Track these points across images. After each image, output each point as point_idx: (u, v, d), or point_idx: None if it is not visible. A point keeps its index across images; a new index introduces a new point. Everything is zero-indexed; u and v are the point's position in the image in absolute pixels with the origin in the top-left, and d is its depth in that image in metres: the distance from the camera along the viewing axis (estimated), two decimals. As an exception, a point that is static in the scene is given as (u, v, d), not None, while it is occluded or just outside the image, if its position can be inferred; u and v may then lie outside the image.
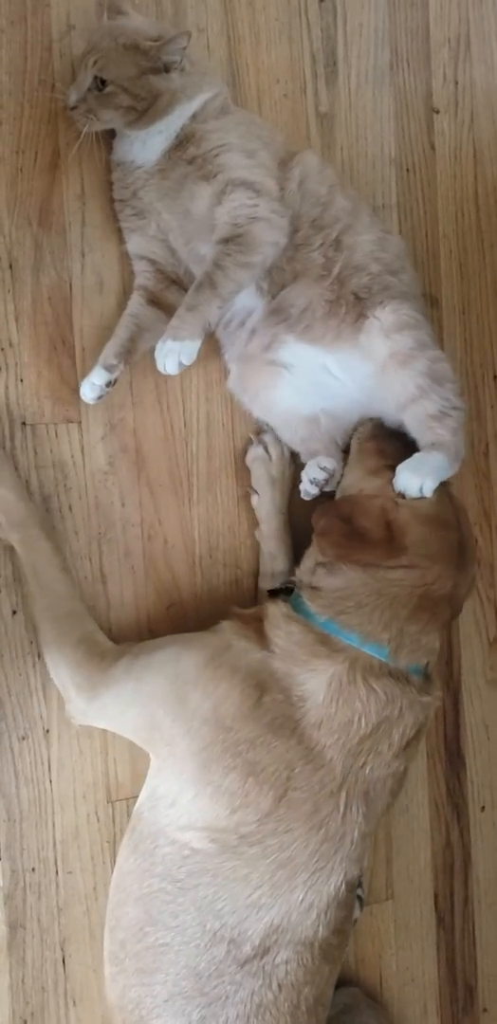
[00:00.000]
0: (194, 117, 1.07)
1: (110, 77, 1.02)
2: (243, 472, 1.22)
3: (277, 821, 0.99)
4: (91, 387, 1.08)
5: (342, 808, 1.00)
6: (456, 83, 1.34)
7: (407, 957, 1.35)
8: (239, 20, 1.19)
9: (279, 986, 1.01)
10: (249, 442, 1.22)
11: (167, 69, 1.04)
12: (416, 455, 1.07)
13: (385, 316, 1.08)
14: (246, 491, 1.21)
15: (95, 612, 1.13)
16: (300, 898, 1.00)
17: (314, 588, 1.06)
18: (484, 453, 1.39)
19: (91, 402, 1.09)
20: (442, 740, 1.36)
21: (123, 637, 1.14)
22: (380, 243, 1.13)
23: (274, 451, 1.21)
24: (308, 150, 1.18)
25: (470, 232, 1.37)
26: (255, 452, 1.21)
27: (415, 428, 1.08)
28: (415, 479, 1.03)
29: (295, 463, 1.22)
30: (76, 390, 1.11)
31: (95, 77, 1.01)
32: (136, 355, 1.11)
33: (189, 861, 1.00)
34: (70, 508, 1.12)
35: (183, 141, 1.07)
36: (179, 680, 1.03)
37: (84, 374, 1.11)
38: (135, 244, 1.13)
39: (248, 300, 1.12)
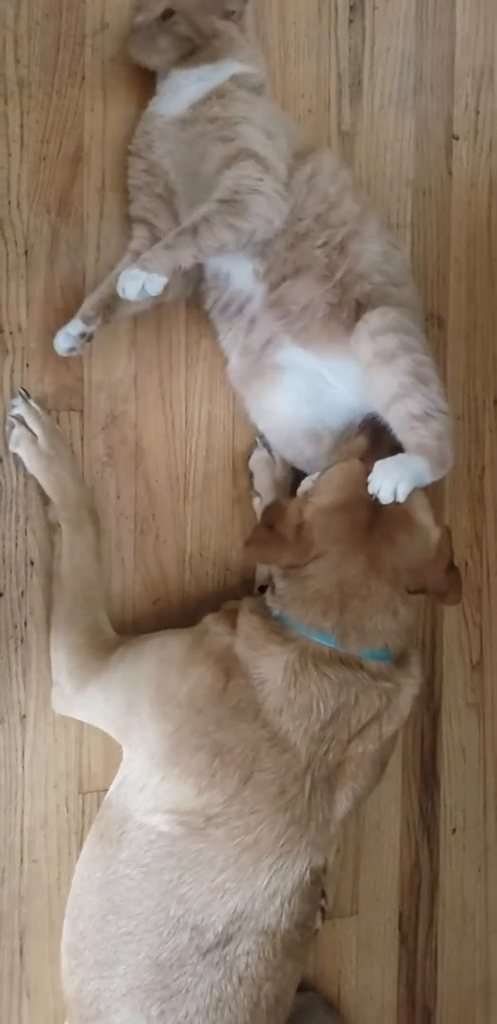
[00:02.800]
0: (233, 78, 1.13)
1: (180, 7, 1.10)
2: (239, 474, 1.27)
3: (243, 802, 1.03)
4: (65, 336, 1.11)
5: (307, 792, 1.04)
6: (477, 112, 1.40)
7: (367, 974, 1.41)
8: (269, 33, 1.26)
9: (239, 979, 1.04)
10: (253, 445, 1.28)
11: (229, 15, 1.13)
12: (395, 456, 1.09)
13: (373, 319, 1.12)
14: (241, 493, 1.27)
15: None
16: (265, 883, 1.04)
17: (274, 585, 1.14)
18: (480, 476, 1.45)
19: (63, 353, 1.12)
20: (418, 760, 1.42)
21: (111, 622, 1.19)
22: (386, 255, 1.19)
23: (277, 455, 1.27)
24: (327, 150, 1.25)
25: (481, 258, 1.43)
26: (259, 455, 1.27)
27: (399, 428, 1.11)
28: (389, 482, 1.05)
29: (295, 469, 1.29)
30: (81, 379, 1.17)
31: (166, 8, 1.08)
32: (114, 315, 1.13)
33: (155, 845, 1.04)
34: None
35: (211, 97, 1.12)
36: (162, 664, 1.10)
37: (90, 365, 1.17)
38: (139, 205, 1.17)
39: (245, 282, 1.16)
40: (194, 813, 1.03)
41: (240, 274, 1.16)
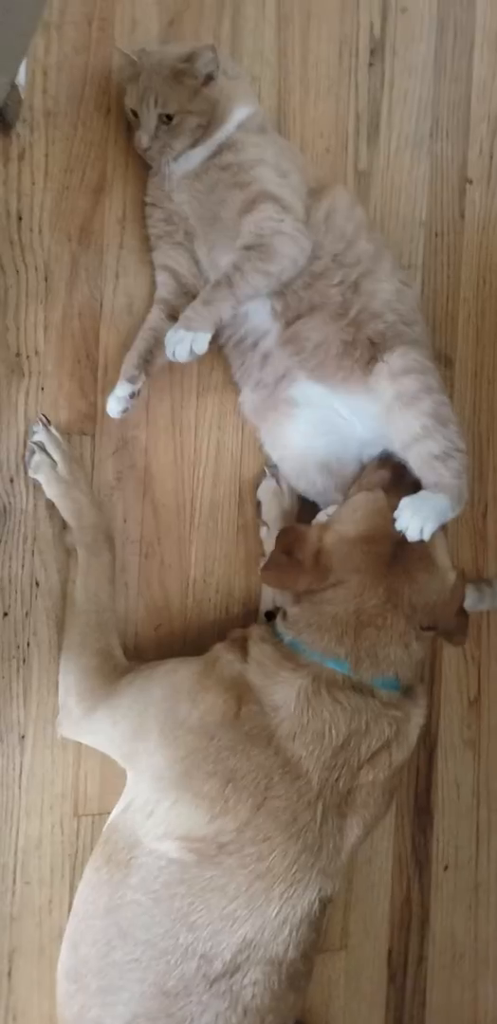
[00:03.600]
0: (239, 126, 1.18)
1: (174, 109, 1.13)
2: (246, 503, 1.31)
3: (256, 829, 1.05)
4: (117, 400, 1.17)
5: (319, 819, 1.07)
6: (491, 157, 1.45)
7: (355, 1010, 1.43)
8: (291, 73, 1.30)
9: (244, 1011, 1.05)
10: (261, 474, 1.31)
11: (211, 78, 1.15)
12: (420, 493, 1.14)
13: (393, 360, 1.17)
14: (246, 521, 1.30)
15: None
16: (275, 911, 1.06)
17: (285, 612, 1.17)
18: (483, 514, 1.49)
19: (117, 416, 1.17)
20: (413, 795, 1.44)
21: None
22: (398, 294, 1.23)
23: (286, 484, 1.30)
24: (340, 186, 1.28)
25: (490, 300, 1.48)
26: (267, 484, 1.31)
27: (419, 467, 1.16)
28: (416, 521, 1.10)
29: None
30: (94, 404, 1.21)
31: (160, 115, 1.12)
32: (153, 368, 1.19)
33: (165, 871, 1.05)
34: None
35: (222, 148, 1.17)
36: (173, 690, 1.12)
37: (104, 390, 1.20)
38: (161, 253, 1.22)
39: (262, 320, 1.21)
40: (206, 840, 1.05)
41: (257, 312, 1.20)
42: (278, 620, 1.17)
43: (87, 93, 1.18)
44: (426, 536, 1.10)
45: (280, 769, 1.07)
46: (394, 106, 1.37)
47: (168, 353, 1.11)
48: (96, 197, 1.19)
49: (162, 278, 1.22)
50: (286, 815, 1.06)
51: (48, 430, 1.17)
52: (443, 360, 1.44)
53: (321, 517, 1.21)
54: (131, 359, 1.18)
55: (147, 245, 1.22)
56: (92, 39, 1.18)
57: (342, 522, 1.16)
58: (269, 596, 1.30)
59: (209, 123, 1.16)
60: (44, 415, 1.18)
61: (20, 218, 1.16)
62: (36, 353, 1.18)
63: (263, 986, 1.07)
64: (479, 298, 1.47)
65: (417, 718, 1.17)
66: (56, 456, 1.17)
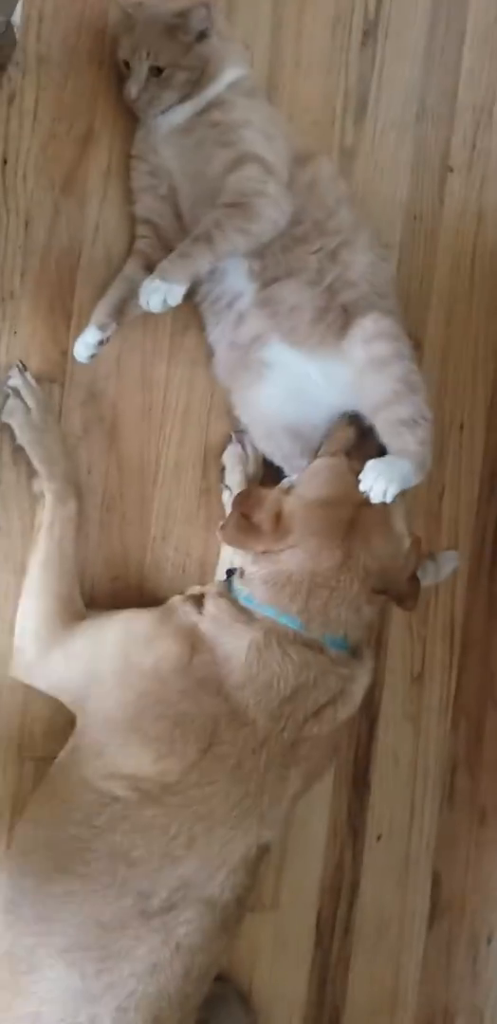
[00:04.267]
0: (229, 86, 1.27)
1: (164, 62, 1.21)
2: (210, 466, 1.41)
3: (200, 772, 1.17)
4: (85, 346, 1.25)
5: (263, 767, 1.19)
6: (474, 147, 1.58)
7: (280, 971, 1.54)
8: (285, 45, 1.40)
9: (177, 946, 1.16)
10: (228, 439, 1.41)
11: (204, 36, 1.24)
12: (385, 457, 1.26)
13: (367, 324, 1.28)
14: (209, 484, 1.40)
15: None
16: (214, 853, 1.17)
17: (243, 571, 1.28)
18: (439, 495, 1.61)
19: (84, 361, 1.26)
20: (352, 763, 1.57)
21: None
22: (373, 267, 1.34)
23: (251, 451, 1.41)
24: (325, 156, 1.38)
25: (462, 287, 1.60)
26: (233, 449, 1.41)
27: (386, 432, 1.28)
28: (381, 482, 1.22)
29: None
30: (65, 352, 1.29)
31: (150, 67, 1.21)
32: (126, 317, 1.28)
33: (109, 809, 1.16)
34: None
35: (211, 106, 1.26)
36: (129, 636, 1.24)
37: (76, 339, 1.27)
38: (143, 205, 1.30)
39: (239, 280, 1.30)
40: (151, 780, 1.16)
41: (234, 272, 1.29)
42: (235, 577, 1.28)
43: (81, 43, 1.27)
44: (389, 498, 1.22)
45: (227, 716, 1.18)
46: (383, 88, 1.48)
47: (142, 301, 1.19)
48: (83, 148, 1.28)
49: (142, 230, 1.30)
50: (231, 760, 1.17)
51: (24, 376, 1.26)
52: (413, 341, 1.54)
53: (285, 484, 1.32)
54: (103, 306, 1.27)
55: (130, 200, 1.31)
56: (89, -10, 1.27)
57: (303, 485, 1.28)
58: (228, 556, 1.41)
59: (199, 80, 1.24)
60: (21, 361, 1.26)
61: (5, 161, 1.24)
62: (11, 296, 1.26)
63: (197, 925, 1.17)
64: (451, 284, 1.59)
65: (363, 678, 1.28)
66: (31, 403, 1.25)
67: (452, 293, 1.59)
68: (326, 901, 1.58)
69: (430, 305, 1.58)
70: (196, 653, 1.20)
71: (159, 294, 1.18)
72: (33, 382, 1.27)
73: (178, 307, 1.29)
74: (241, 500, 1.27)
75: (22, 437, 1.26)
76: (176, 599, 1.29)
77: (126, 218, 1.31)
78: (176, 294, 1.18)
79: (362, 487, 1.22)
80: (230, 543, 1.29)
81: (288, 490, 1.28)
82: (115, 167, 1.30)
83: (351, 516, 1.24)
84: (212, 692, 1.19)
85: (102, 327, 1.25)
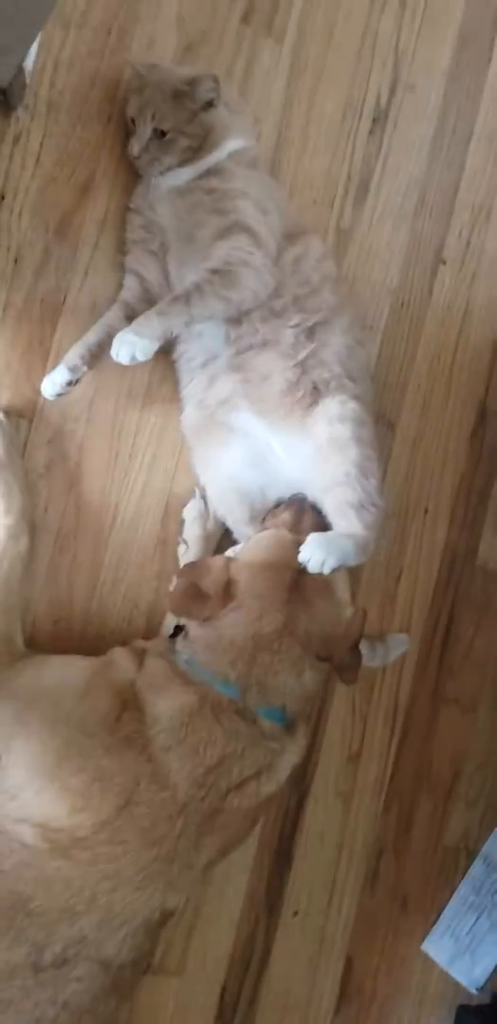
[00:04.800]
0: (230, 156, 1.37)
1: (168, 126, 1.31)
2: (170, 518, 1.49)
3: (113, 831, 1.20)
4: (52, 384, 1.33)
5: (177, 833, 1.24)
6: (468, 243, 1.70)
7: None
8: (294, 123, 1.51)
9: (64, 1004, 1.19)
10: (191, 494, 1.50)
11: (210, 105, 1.34)
12: (328, 533, 1.35)
13: (332, 406, 1.37)
14: (166, 536, 1.48)
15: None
16: (116, 912, 1.21)
17: (187, 632, 1.35)
18: (396, 578, 1.71)
19: (50, 398, 1.34)
20: (277, 835, 1.64)
21: None
22: (349, 351, 1.43)
23: (213, 509, 1.49)
24: (316, 236, 1.47)
25: (441, 377, 1.73)
26: (194, 505, 1.49)
27: (334, 511, 1.37)
28: (320, 553, 1.30)
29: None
30: (38, 391, 1.36)
31: (154, 129, 1.30)
32: (100, 362, 1.35)
33: (16, 854, 1.19)
34: None
35: (210, 173, 1.35)
36: (63, 683, 1.30)
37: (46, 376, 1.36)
38: (133, 257, 1.39)
39: (215, 343, 1.39)
40: (62, 832, 1.20)
41: (212, 334, 1.38)
42: (179, 638, 1.35)
43: (92, 96, 1.36)
44: (326, 570, 1.31)
45: (148, 777, 1.23)
46: (385, 176, 1.60)
47: (112, 351, 1.27)
48: (81, 195, 1.37)
49: (129, 281, 1.39)
50: (146, 822, 1.22)
51: None
52: (386, 424, 1.67)
53: (230, 553, 1.41)
54: (78, 348, 1.35)
55: (121, 251, 1.40)
56: (107, 47, 1.36)
57: (247, 552, 1.37)
58: (172, 617, 1.49)
59: (200, 147, 1.34)
60: None
61: (2, 198, 1.32)
62: None
63: (87, 984, 1.21)
64: (431, 373, 1.71)
65: (292, 756, 1.35)
66: None
67: (430, 382, 1.71)
68: (233, 972, 1.63)
69: (407, 391, 1.70)
70: (126, 710, 1.26)
71: (129, 347, 1.25)
72: (2, 417, 1.34)
73: (156, 360, 1.39)
74: (189, 570, 1.35)
75: None
76: (117, 651, 1.36)
77: (115, 269, 1.40)
78: (146, 350, 1.26)
79: (300, 557, 1.30)
80: (176, 610, 1.36)
81: (232, 558, 1.36)
82: (111, 218, 1.39)
83: (293, 580, 1.32)
84: (136, 751, 1.24)
85: (72, 369, 1.33)
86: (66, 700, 1.27)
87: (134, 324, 1.27)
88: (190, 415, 1.44)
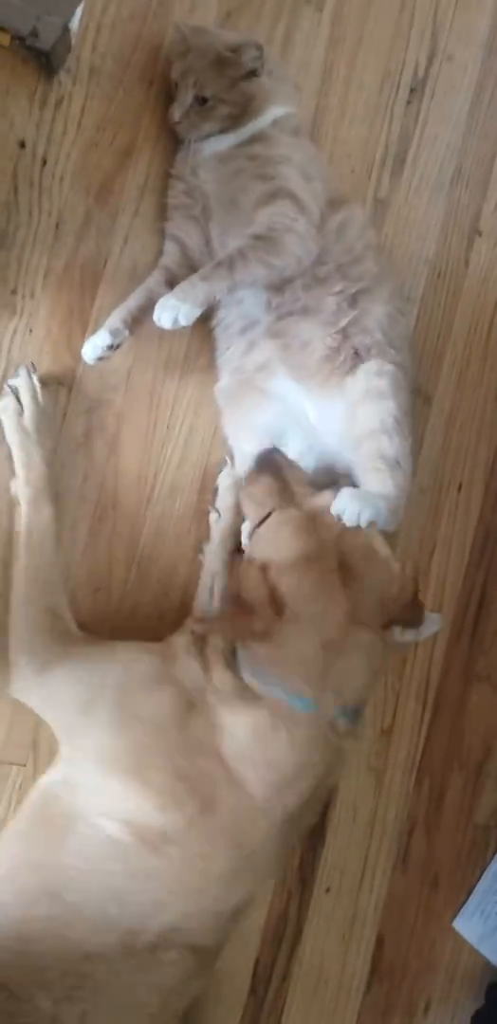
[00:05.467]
0: (274, 122, 1.37)
1: (209, 93, 1.31)
2: (207, 491, 1.49)
3: (201, 831, 1.22)
4: (93, 347, 1.33)
5: (262, 835, 1.25)
6: (505, 216, 1.72)
7: (212, 1012, 1.57)
8: (332, 92, 1.52)
9: (154, 986, 1.22)
10: (223, 462, 1.50)
11: (253, 73, 1.34)
12: (359, 489, 1.33)
13: (372, 364, 1.38)
14: (204, 509, 1.48)
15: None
16: (206, 905, 1.25)
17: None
18: (430, 553, 1.71)
19: (91, 362, 1.33)
20: None
21: None
22: (391, 319, 1.43)
23: (241, 475, 1.47)
24: (358, 205, 1.48)
25: (477, 349, 1.72)
26: (228, 473, 1.48)
27: (366, 466, 1.36)
28: (354, 505, 1.27)
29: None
30: (78, 358, 1.36)
31: (195, 95, 1.31)
32: (140, 327, 1.35)
33: (104, 846, 1.21)
34: None
35: (253, 139, 1.36)
36: (129, 678, 1.27)
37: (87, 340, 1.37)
38: (174, 223, 1.39)
39: (255, 310, 1.39)
40: (150, 829, 1.21)
41: (253, 301, 1.38)
42: (240, 654, 1.29)
43: (134, 60, 1.36)
44: (363, 522, 1.27)
45: (226, 782, 1.23)
46: (423, 146, 1.60)
47: (155, 316, 1.27)
48: (122, 160, 1.37)
49: (170, 247, 1.40)
50: (229, 824, 1.23)
51: (30, 378, 1.32)
52: (422, 396, 1.66)
53: (251, 561, 1.35)
54: (119, 312, 1.35)
55: (161, 216, 1.40)
56: (150, 10, 1.37)
57: (272, 551, 1.31)
58: (207, 588, 1.48)
59: (241, 115, 1.34)
60: (32, 363, 1.34)
61: (44, 162, 1.32)
62: (32, 296, 1.34)
63: (177, 967, 1.23)
64: (467, 344, 1.71)
65: (356, 742, 1.33)
66: (27, 405, 1.32)
67: (466, 354, 1.71)
68: (266, 947, 1.64)
69: (443, 362, 1.69)
70: (193, 713, 1.25)
71: (172, 312, 1.26)
72: (37, 386, 1.33)
73: (194, 330, 1.40)
74: (230, 584, 1.35)
75: (8, 435, 1.33)
76: (179, 644, 1.33)
77: (155, 234, 1.40)
78: (189, 315, 1.27)
79: (334, 509, 1.27)
80: (232, 636, 1.31)
81: (263, 564, 1.30)
82: (152, 183, 1.39)
83: (337, 562, 1.27)
84: (210, 756, 1.23)
85: (114, 333, 1.33)
86: (135, 693, 1.27)
87: (177, 289, 1.27)
88: (225, 383, 1.44)
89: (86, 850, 1.22)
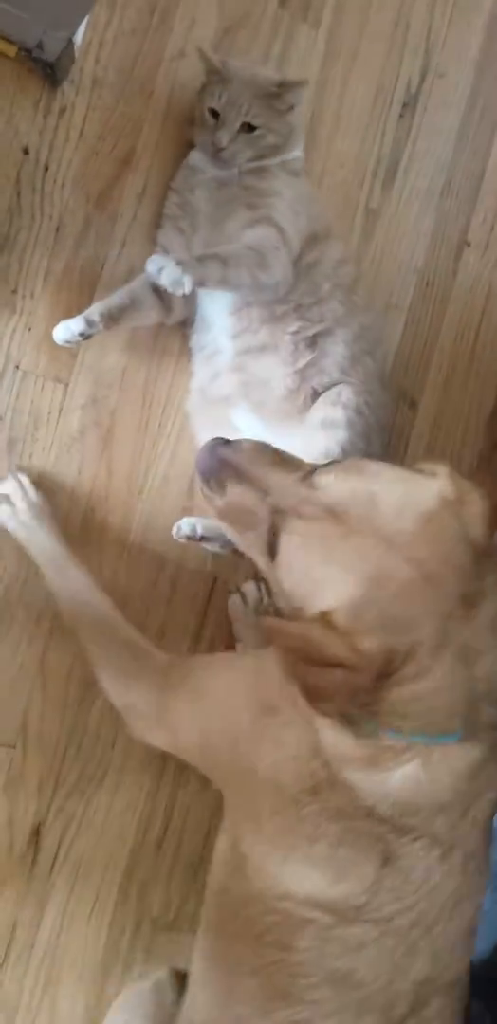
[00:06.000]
0: (280, 163, 1.42)
1: (260, 123, 1.37)
2: (194, 488, 1.53)
3: (390, 889, 1.07)
4: (66, 330, 1.36)
5: (460, 864, 1.10)
6: (492, 228, 1.75)
7: None
8: (327, 105, 1.57)
9: None
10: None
11: (292, 108, 1.41)
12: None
13: (331, 393, 1.41)
14: (193, 504, 1.53)
15: (19, 559, 1.43)
16: (440, 945, 1.11)
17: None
18: None
19: (59, 342, 1.37)
20: None
21: (34, 593, 1.44)
22: (354, 360, 1.45)
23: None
24: (336, 241, 1.49)
25: (463, 357, 1.77)
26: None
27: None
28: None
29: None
30: (74, 356, 1.43)
31: (244, 122, 1.36)
32: (118, 325, 1.39)
33: (305, 931, 1.09)
34: (30, 456, 1.43)
35: (251, 171, 1.40)
36: (235, 728, 1.17)
37: (86, 346, 1.43)
38: (165, 232, 1.44)
39: (221, 337, 1.43)
40: (337, 903, 1.09)
41: (220, 326, 1.42)
42: (358, 719, 1.05)
43: (135, 73, 1.42)
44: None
45: (396, 833, 1.07)
46: (413, 159, 1.66)
47: (148, 267, 1.26)
48: (121, 168, 1.43)
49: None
50: (419, 872, 1.08)
51: (16, 479, 1.41)
52: (408, 401, 1.72)
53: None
54: (99, 307, 1.39)
55: (157, 224, 1.45)
56: (150, 26, 1.42)
57: (316, 589, 1.00)
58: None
59: (281, 146, 1.41)
60: (17, 465, 1.43)
61: (47, 168, 1.38)
62: (32, 296, 1.40)
63: (448, 1009, 1.14)
64: (454, 352, 1.76)
65: None
66: (19, 505, 1.40)
67: (452, 361, 1.76)
68: None
69: (430, 368, 1.74)
70: (324, 788, 1.10)
71: (169, 273, 1.25)
72: (26, 482, 1.42)
73: (183, 337, 1.48)
74: (293, 658, 1.01)
75: (17, 534, 1.41)
76: (272, 672, 1.14)
77: (151, 241, 1.45)
78: (185, 285, 1.26)
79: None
80: (334, 713, 1.05)
81: (321, 614, 0.99)
82: (149, 192, 1.45)
83: (418, 572, 0.98)
84: (361, 817, 1.08)
85: (90, 324, 1.37)
86: (244, 749, 1.16)
87: (177, 260, 1.26)
88: (195, 401, 1.49)
89: (285, 939, 1.10)
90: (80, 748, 1.51)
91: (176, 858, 1.59)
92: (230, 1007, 1.15)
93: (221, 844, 1.21)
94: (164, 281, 1.26)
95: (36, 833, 1.49)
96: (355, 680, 0.97)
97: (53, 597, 1.39)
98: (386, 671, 0.97)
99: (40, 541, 1.40)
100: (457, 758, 1.06)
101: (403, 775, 1.05)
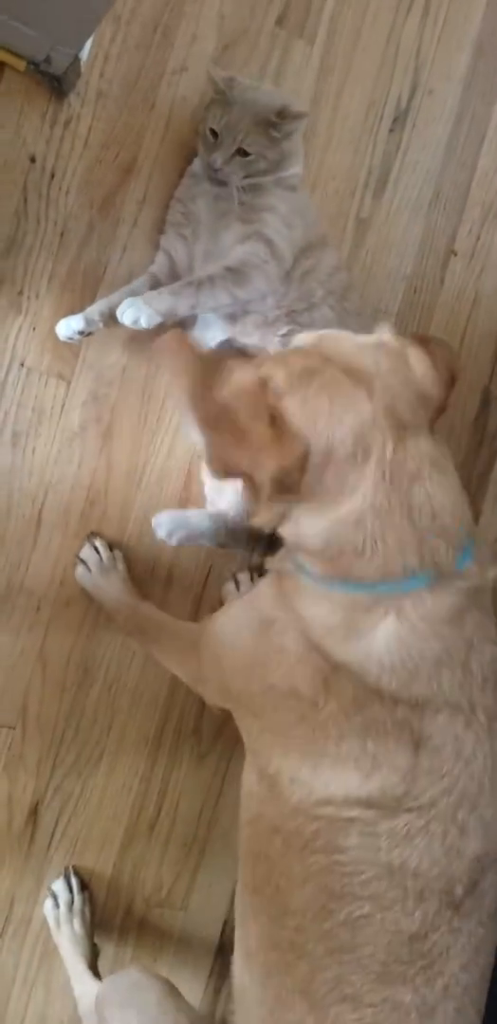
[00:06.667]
0: (277, 180, 1.48)
1: (254, 150, 1.42)
2: (193, 480, 1.61)
3: (427, 771, 1.08)
4: (67, 327, 1.46)
5: (486, 726, 1.09)
6: (478, 238, 1.83)
7: (179, 970, 1.68)
8: (321, 118, 1.65)
9: (489, 917, 1.12)
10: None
11: (289, 136, 1.46)
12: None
13: None
14: (189, 496, 1.60)
15: (21, 549, 1.51)
16: (490, 816, 1.10)
17: (306, 554, 1.11)
18: None
19: (61, 338, 1.46)
20: None
21: (35, 581, 1.53)
22: None
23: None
24: (332, 248, 1.56)
25: None
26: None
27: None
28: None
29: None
30: (77, 354, 1.51)
31: (239, 148, 1.41)
32: (116, 324, 1.44)
33: (351, 829, 1.09)
34: (33, 451, 1.51)
35: (248, 187, 1.46)
36: (249, 655, 1.22)
37: (89, 344, 1.51)
38: (168, 238, 1.51)
39: (219, 338, 1.47)
40: (376, 798, 1.08)
41: (216, 328, 1.48)
42: (301, 561, 1.13)
43: (138, 86, 1.50)
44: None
45: (413, 711, 1.07)
46: (403, 171, 1.73)
47: (118, 311, 1.39)
48: (124, 176, 1.51)
49: (161, 258, 1.51)
50: (450, 745, 1.08)
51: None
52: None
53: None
54: (99, 305, 1.47)
55: (158, 229, 1.52)
56: (153, 42, 1.50)
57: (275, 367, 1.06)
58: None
59: (272, 170, 1.46)
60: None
61: (53, 176, 1.46)
62: (37, 296, 1.47)
63: None
64: (439, 357, 1.87)
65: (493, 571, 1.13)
66: (94, 570, 1.55)
67: (438, 366, 1.85)
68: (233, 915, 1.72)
69: (414, 373, 1.83)
70: (330, 684, 1.12)
71: (135, 312, 1.37)
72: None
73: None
74: (221, 412, 1.03)
75: (90, 590, 1.56)
76: (268, 593, 1.23)
77: (151, 246, 1.53)
78: (150, 319, 1.37)
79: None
80: (221, 473, 1.04)
81: (262, 382, 1.04)
82: (150, 198, 1.52)
83: (352, 366, 1.04)
84: (375, 701, 1.09)
85: (89, 322, 1.45)
86: (257, 670, 1.21)
87: (146, 295, 1.40)
88: None
89: (335, 841, 1.11)
90: (78, 730, 1.58)
91: (169, 839, 1.66)
92: (285, 921, 1.14)
93: (247, 780, 1.24)
94: (125, 320, 1.38)
95: (34, 811, 1.56)
96: (279, 450, 1.00)
97: (114, 623, 1.57)
98: (304, 465, 1.02)
99: (111, 596, 1.55)
100: (431, 606, 1.06)
101: (384, 635, 1.06)
